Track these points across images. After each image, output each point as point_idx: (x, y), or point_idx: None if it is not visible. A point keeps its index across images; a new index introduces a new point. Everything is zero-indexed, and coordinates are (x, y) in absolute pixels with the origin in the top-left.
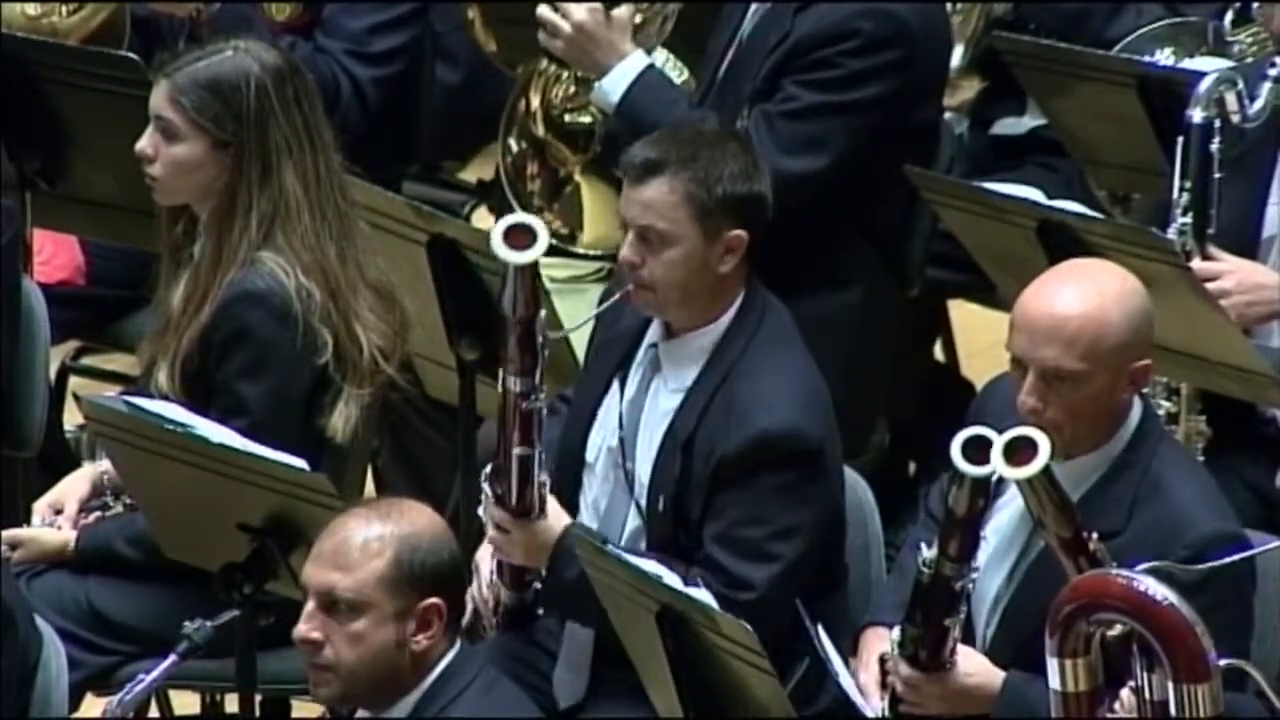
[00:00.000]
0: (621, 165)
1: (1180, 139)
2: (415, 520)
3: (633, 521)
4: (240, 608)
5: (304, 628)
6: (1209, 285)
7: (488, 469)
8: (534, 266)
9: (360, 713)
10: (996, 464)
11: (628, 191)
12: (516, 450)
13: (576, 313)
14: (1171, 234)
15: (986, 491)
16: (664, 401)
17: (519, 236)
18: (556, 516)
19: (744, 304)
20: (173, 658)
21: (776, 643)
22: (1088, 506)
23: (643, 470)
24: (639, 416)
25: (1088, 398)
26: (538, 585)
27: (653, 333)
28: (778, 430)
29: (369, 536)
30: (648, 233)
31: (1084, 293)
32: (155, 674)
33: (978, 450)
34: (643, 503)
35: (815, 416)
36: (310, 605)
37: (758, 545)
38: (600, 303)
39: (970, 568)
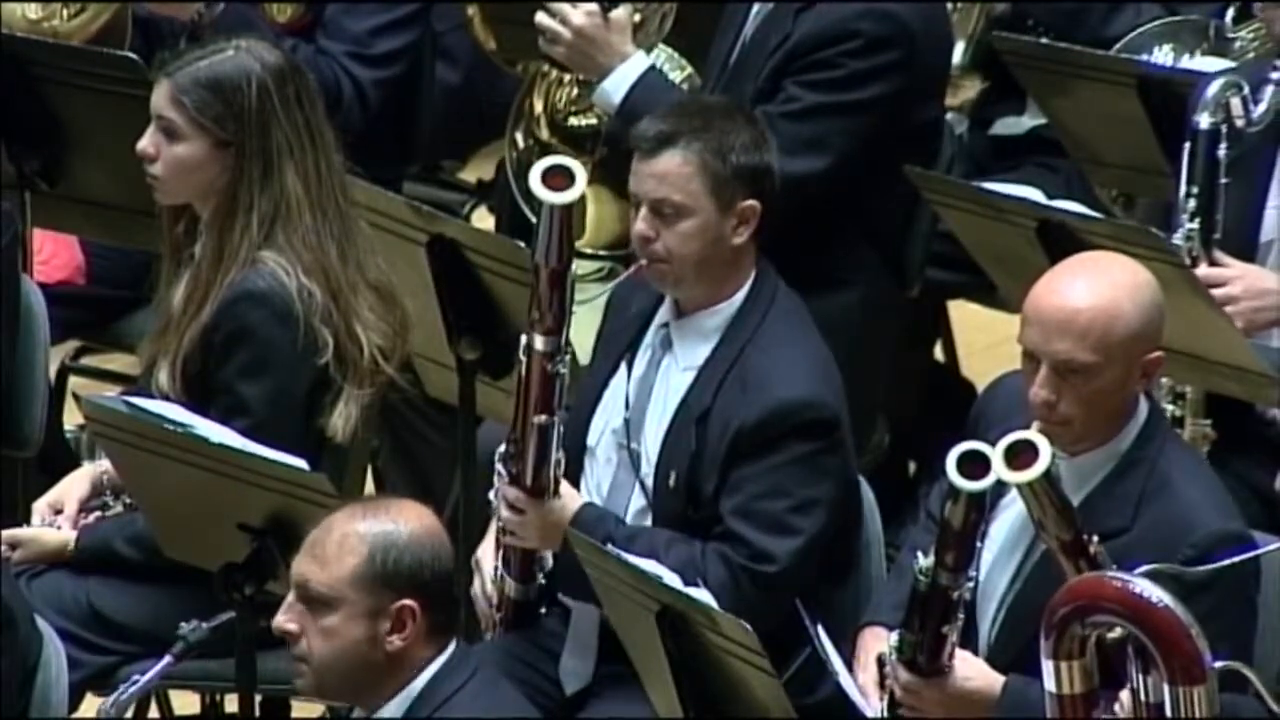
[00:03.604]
0: (632, 139)
1: (1187, 144)
2: (399, 519)
3: (637, 501)
4: (240, 608)
5: (281, 618)
6: (1216, 291)
7: (501, 448)
8: (570, 209)
9: (357, 712)
10: (997, 468)
11: (639, 165)
12: (536, 419)
13: (578, 311)
14: (1178, 239)
15: (982, 506)
16: (675, 379)
17: (557, 178)
18: (570, 496)
19: (756, 282)
20: (168, 659)
21: (776, 633)
22: (1094, 503)
23: (651, 448)
24: (647, 396)
25: (1100, 390)
26: (542, 580)
27: (663, 313)
28: (795, 400)
29: (347, 532)
30: (662, 205)
31: (1095, 285)
32: (150, 674)
33: (973, 465)
34: (649, 481)
35: (830, 388)
36: (290, 596)
37: (779, 518)
38: (612, 296)
39: (967, 577)
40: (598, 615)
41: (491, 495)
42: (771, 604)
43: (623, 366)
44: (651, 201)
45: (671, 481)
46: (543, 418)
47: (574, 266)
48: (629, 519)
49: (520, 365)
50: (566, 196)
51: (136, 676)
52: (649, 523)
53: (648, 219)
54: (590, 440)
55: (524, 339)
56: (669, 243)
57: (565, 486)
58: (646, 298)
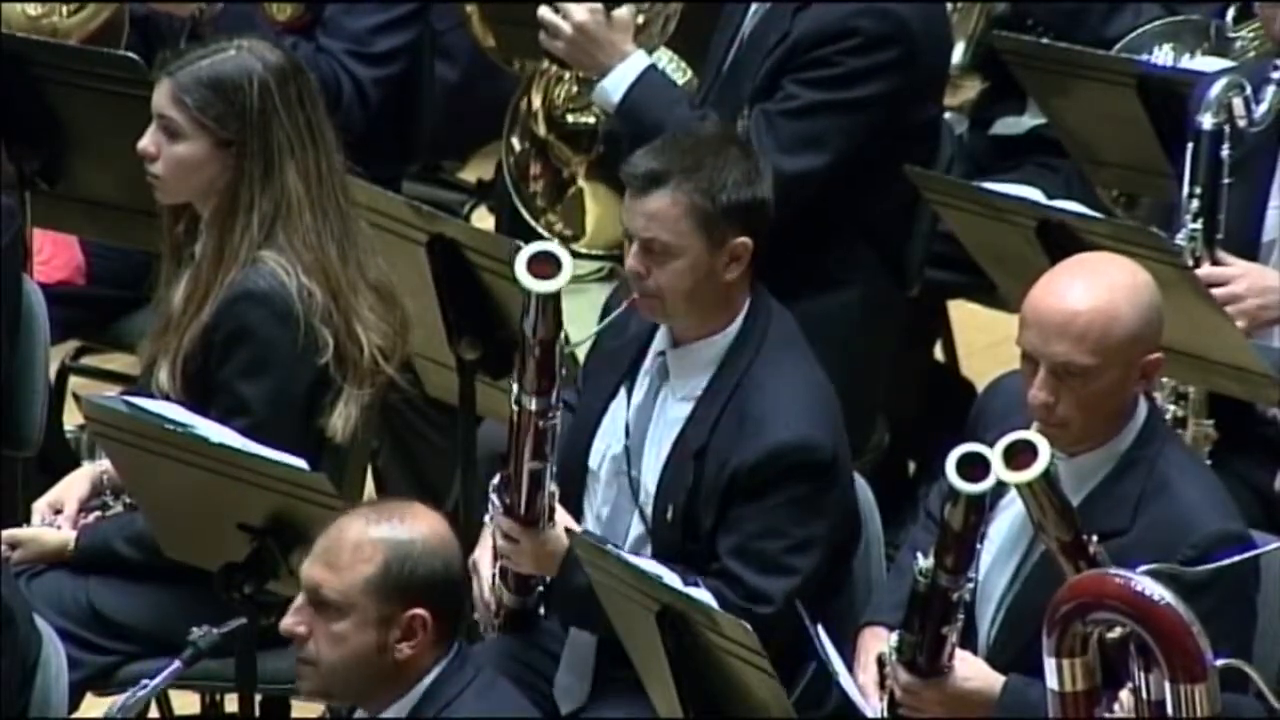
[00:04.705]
0: (623, 175)
1: (1190, 144)
2: (414, 527)
3: (635, 529)
4: (240, 608)
5: (290, 620)
6: (1219, 290)
7: (495, 480)
8: (557, 295)
9: (359, 713)
10: (996, 468)
11: (630, 202)
12: (529, 465)
13: (578, 312)
14: (1181, 239)
15: (981, 508)
16: (673, 410)
17: (542, 265)
18: (565, 525)
19: (750, 311)
20: (177, 664)
21: (783, 647)
22: (1093, 504)
23: (649, 478)
24: (646, 424)
25: (1099, 392)
26: (541, 589)
27: (660, 340)
28: (792, 442)
29: (362, 539)
30: (652, 244)
31: (1093, 287)
32: (159, 679)
33: (973, 467)
34: (648, 510)
35: (827, 425)
36: (300, 599)
37: (775, 559)
38: (606, 307)
39: (966, 578)
40: (595, 637)
41: (486, 519)
42: (767, 641)
43: (622, 391)
44: (642, 240)
45: (669, 515)
46: (535, 464)
47: (562, 336)
48: (628, 545)
49: (511, 414)
50: (552, 285)
51: (146, 680)
52: (648, 551)
53: (638, 256)
54: (592, 463)
55: (514, 390)
56: (660, 280)
57: (561, 515)
58: (643, 319)
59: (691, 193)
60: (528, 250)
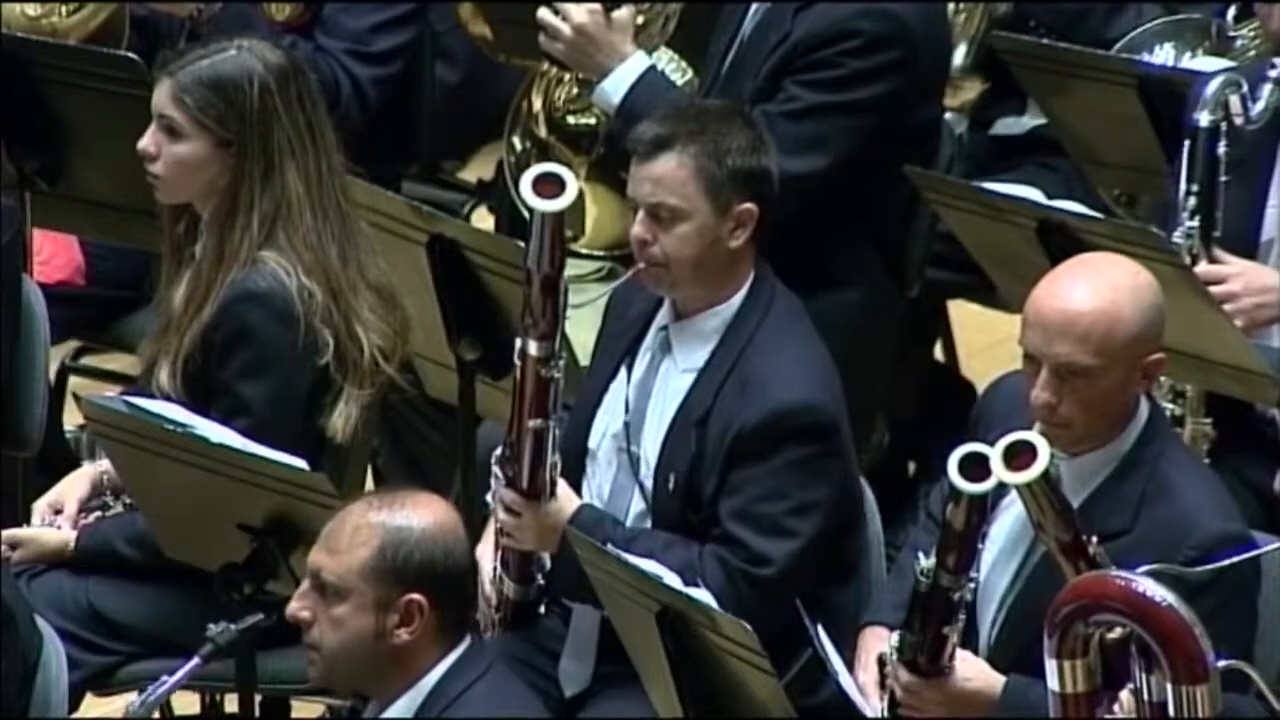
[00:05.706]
0: (629, 143)
1: (1186, 142)
2: (415, 514)
3: (637, 504)
4: (240, 608)
5: (294, 605)
6: (1217, 288)
7: (497, 451)
8: (561, 217)
9: (367, 712)
10: (995, 469)
11: (636, 170)
12: (531, 423)
13: (577, 311)
14: (1178, 237)
15: (984, 508)
16: (674, 382)
17: (548, 186)
18: (567, 498)
19: (754, 285)
20: (196, 660)
21: (777, 634)
22: (1094, 505)
23: (650, 451)
24: (647, 398)
25: (1101, 392)
26: (541, 581)
27: (663, 315)
28: (795, 404)
29: (360, 524)
30: (659, 209)
31: (1096, 287)
32: (178, 675)
33: (975, 467)
34: (648, 483)
35: (830, 393)
36: (305, 584)
37: (777, 521)
38: (611, 299)
39: (968, 578)
40: (598, 618)
41: (489, 497)
42: (769, 606)
43: (623, 369)
44: (648, 205)
45: (671, 484)
46: (538, 422)
47: (566, 272)
48: (629, 522)
49: (515, 370)
50: (557, 204)
51: (165, 677)
52: (649, 526)
53: (645, 223)
54: (591, 443)
55: (518, 344)
56: (666, 246)
57: (562, 488)
58: (646, 300)
59: (698, 155)
60: (534, 170)
